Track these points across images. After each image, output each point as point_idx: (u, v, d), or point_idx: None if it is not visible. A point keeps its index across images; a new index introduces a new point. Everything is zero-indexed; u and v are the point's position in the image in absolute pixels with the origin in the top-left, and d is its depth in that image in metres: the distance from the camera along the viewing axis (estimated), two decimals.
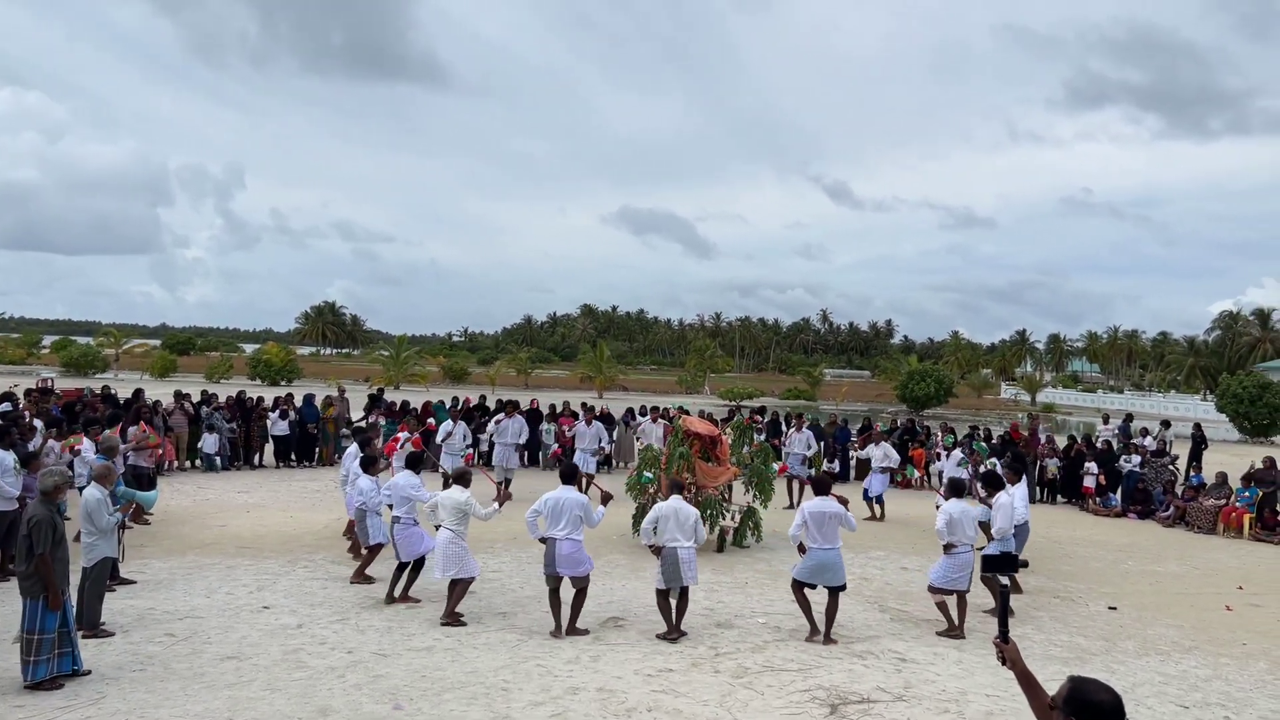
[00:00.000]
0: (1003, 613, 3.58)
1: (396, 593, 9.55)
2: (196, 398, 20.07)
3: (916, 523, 15.36)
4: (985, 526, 10.26)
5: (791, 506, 15.58)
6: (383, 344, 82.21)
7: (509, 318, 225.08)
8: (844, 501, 9.02)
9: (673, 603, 8.69)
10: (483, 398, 22.17)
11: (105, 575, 8.25)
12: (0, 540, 9.73)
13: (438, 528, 8.98)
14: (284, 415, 19.87)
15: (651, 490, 12.83)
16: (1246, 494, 16.09)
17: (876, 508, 15.99)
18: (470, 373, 66.87)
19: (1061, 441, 20.77)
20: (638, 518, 12.30)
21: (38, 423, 13.73)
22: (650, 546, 8.87)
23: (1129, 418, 23.48)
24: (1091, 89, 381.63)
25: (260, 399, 20.79)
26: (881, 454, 16.48)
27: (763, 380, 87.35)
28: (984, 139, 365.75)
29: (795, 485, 17.00)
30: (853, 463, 20.77)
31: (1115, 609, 10.48)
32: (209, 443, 18.53)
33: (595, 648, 8.23)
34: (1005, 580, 3.79)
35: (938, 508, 9.70)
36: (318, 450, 20.18)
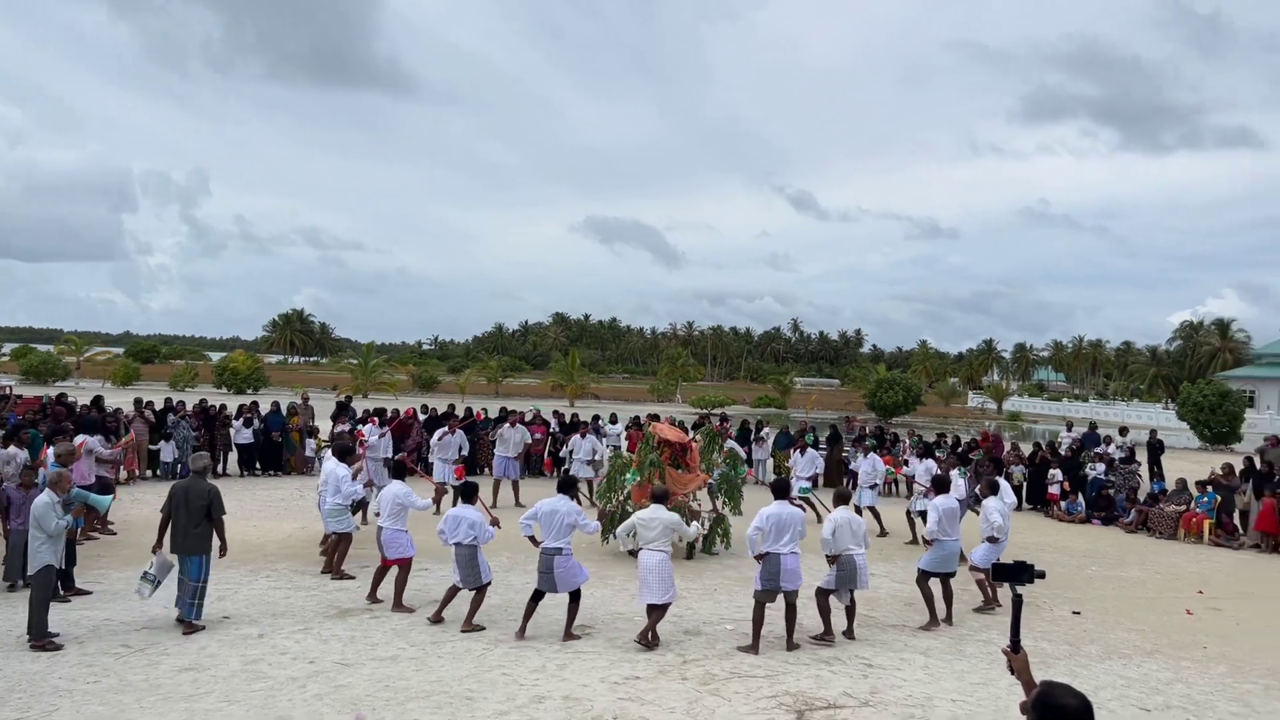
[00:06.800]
0: (1015, 622, 3.62)
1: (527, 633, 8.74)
2: (160, 406, 19.70)
3: (889, 529, 15.39)
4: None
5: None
6: (351, 352, 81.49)
7: (479, 326, 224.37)
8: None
9: (834, 603, 8.97)
10: (451, 406, 21.95)
11: (49, 584, 8.06)
12: None
13: (632, 553, 8.72)
14: (248, 423, 19.58)
15: (621, 498, 12.79)
16: (1206, 500, 16.34)
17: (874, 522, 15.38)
18: (440, 381, 66.46)
19: (1027, 449, 21.01)
20: (607, 526, 12.22)
21: None
22: (828, 557, 9.00)
23: (1093, 425, 23.79)
24: (1049, 103, 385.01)
25: (224, 407, 20.47)
26: (870, 466, 15.73)
27: (734, 388, 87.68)
28: (946, 151, 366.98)
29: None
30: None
31: (1079, 614, 10.59)
32: (166, 451, 18.27)
33: (562, 655, 8.16)
34: (1019, 590, 3.79)
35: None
36: (287, 459, 19.94)
